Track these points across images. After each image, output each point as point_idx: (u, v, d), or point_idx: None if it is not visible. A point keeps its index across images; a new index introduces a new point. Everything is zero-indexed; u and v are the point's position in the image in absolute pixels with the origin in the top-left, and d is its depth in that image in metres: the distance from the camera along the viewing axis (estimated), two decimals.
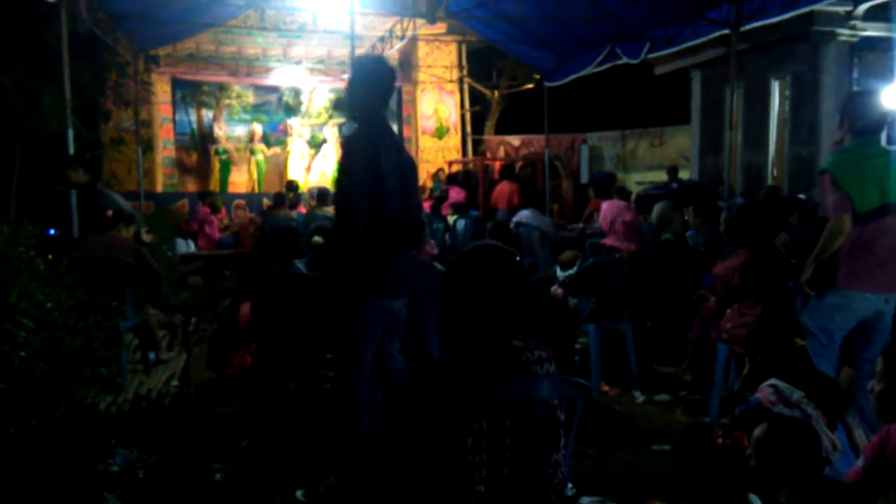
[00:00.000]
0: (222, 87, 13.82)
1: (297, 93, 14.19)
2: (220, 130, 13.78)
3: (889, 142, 9.59)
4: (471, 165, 13.63)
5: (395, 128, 12.41)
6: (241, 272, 6.78)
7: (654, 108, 15.70)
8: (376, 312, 2.94)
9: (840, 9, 8.74)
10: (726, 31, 6.83)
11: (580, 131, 14.79)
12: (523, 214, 7.60)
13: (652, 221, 5.75)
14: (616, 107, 16.65)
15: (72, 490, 2.89)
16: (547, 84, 10.09)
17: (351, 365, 2.93)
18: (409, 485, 1.78)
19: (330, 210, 9.73)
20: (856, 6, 8.76)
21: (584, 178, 13.29)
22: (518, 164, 12.40)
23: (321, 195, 9.53)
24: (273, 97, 14.30)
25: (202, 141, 13.83)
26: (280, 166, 14.03)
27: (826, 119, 9.08)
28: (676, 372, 4.73)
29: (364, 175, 2.82)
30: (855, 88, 8.97)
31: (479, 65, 16.10)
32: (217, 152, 13.65)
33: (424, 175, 13.92)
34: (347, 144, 2.98)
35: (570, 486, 3.02)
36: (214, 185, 13.29)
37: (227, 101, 13.96)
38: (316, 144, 14.25)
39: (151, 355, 4.91)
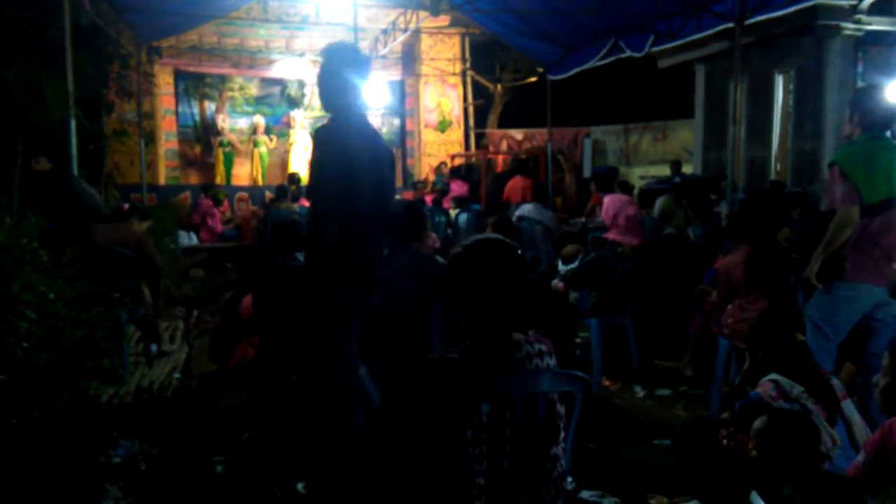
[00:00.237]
0: (225, 79, 13.82)
1: (300, 85, 14.17)
2: (223, 123, 13.77)
3: (891, 136, 9.55)
4: (473, 159, 13.61)
5: (396, 121, 12.41)
6: (243, 265, 6.79)
7: (658, 102, 15.65)
8: (352, 306, 2.88)
9: (845, 3, 8.70)
10: (730, 25, 6.80)
11: (583, 125, 14.75)
12: (526, 208, 7.60)
13: (654, 216, 5.74)
14: (619, 100, 16.60)
15: (74, 482, 2.91)
16: (550, 77, 10.07)
17: (335, 356, 2.88)
18: (409, 477, 1.78)
19: None
20: (860, 0, 8.71)
21: (587, 172, 13.26)
22: (521, 158, 12.39)
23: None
24: (276, 89, 14.30)
25: (205, 133, 13.83)
26: (283, 159, 14.03)
27: (830, 113, 9.05)
28: (677, 367, 4.73)
29: (337, 168, 2.73)
30: (860, 83, 8.94)
31: (483, 58, 16.05)
32: (221, 144, 13.64)
33: (427, 169, 13.91)
34: (319, 136, 2.88)
35: (569, 479, 3.03)
36: (220, 178, 13.31)
37: (229, 94, 13.97)
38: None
39: (154, 347, 4.92)
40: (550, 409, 1.81)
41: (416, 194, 11.31)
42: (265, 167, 13.80)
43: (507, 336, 1.81)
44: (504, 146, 15.24)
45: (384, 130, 14.86)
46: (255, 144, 13.77)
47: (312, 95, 14.39)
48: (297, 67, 13.58)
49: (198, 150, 13.88)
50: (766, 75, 10.24)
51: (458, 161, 13.56)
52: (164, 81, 12.95)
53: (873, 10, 8.90)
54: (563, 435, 1.85)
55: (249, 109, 14.00)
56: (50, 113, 6.06)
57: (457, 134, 14.53)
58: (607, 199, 6.30)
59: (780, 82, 10.19)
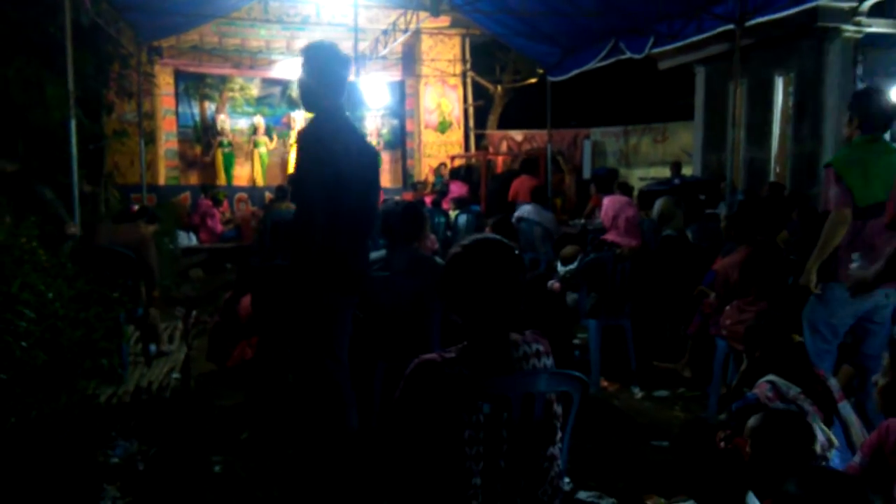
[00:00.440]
0: (225, 80, 13.84)
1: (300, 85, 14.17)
2: (223, 123, 13.79)
3: (891, 139, 9.56)
4: (473, 160, 13.61)
5: (396, 122, 12.39)
6: (242, 265, 6.79)
7: (658, 104, 15.65)
8: (340, 305, 2.88)
9: (845, 5, 8.70)
10: (730, 27, 6.80)
11: (583, 126, 14.76)
12: (525, 210, 7.59)
13: (653, 217, 5.74)
14: (619, 102, 16.60)
15: (72, 481, 2.91)
16: (550, 79, 10.07)
17: (327, 356, 2.87)
18: (406, 476, 1.79)
19: None
20: (861, 2, 8.72)
21: (587, 174, 13.26)
22: (520, 159, 12.38)
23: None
24: (276, 90, 14.31)
25: (205, 133, 13.85)
26: (283, 159, 14.04)
27: (829, 116, 9.05)
28: (676, 368, 4.74)
29: (319, 169, 2.70)
30: (860, 85, 8.94)
31: (483, 59, 16.06)
32: (220, 144, 13.65)
33: (427, 169, 13.92)
34: (301, 138, 2.86)
35: (567, 480, 3.04)
36: (220, 179, 13.32)
37: (230, 94, 13.98)
38: None
39: (153, 347, 4.93)
40: (547, 409, 1.81)
41: (415, 195, 11.31)
42: (265, 168, 13.81)
43: (505, 336, 1.81)
44: (504, 147, 15.25)
45: (384, 131, 14.88)
46: (255, 145, 13.78)
47: None
48: (297, 68, 13.47)
49: (198, 150, 13.89)
50: (766, 77, 10.25)
51: (457, 162, 13.57)
52: (165, 81, 12.96)
53: (873, 13, 8.90)
54: (560, 435, 1.85)
55: (250, 110, 14.02)
56: (50, 113, 6.07)
57: (457, 135, 14.54)
58: (606, 201, 6.30)
59: (779, 84, 10.19)
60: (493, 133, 16.17)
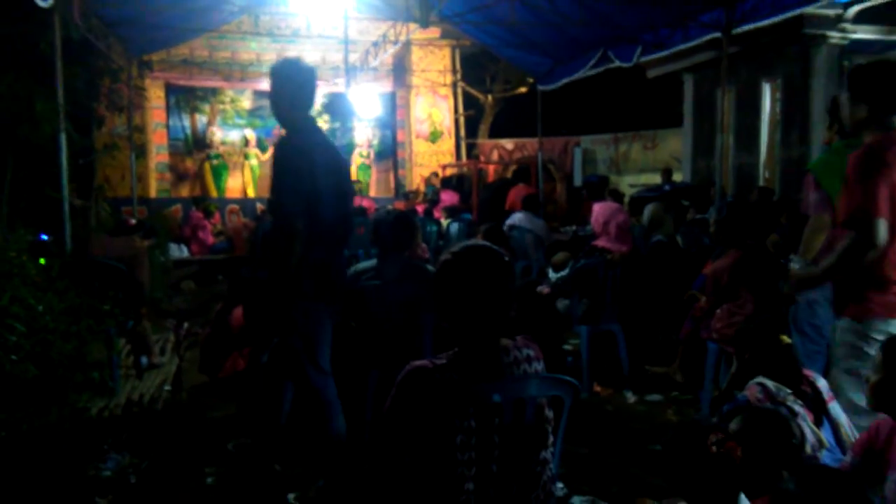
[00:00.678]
0: (216, 92, 13.84)
1: None
2: (213, 136, 13.80)
3: None
4: (465, 169, 13.66)
5: (387, 132, 12.41)
6: (233, 276, 6.78)
7: (647, 111, 15.76)
8: (321, 315, 2.93)
9: (830, 12, 8.80)
10: (717, 35, 6.87)
11: (573, 134, 14.83)
12: (517, 217, 7.62)
13: (643, 223, 5.78)
14: (609, 110, 16.71)
15: (64, 495, 2.89)
16: (540, 88, 10.13)
17: (309, 365, 2.91)
18: (399, 483, 1.79)
19: None
20: (846, 9, 8.82)
21: (578, 181, 13.33)
22: (512, 168, 12.43)
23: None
24: (267, 102, 14.28)
25: (196, 146, 13.85)
26: None
27: (817, 121, 9.14)
28: (668, 372, 4.75)
29: (297, 179, 2.76)
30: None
31: (473, 69, 16.15)
32: (208, 157, 13.68)
33: (418, 179, 13.96)
34: (277, 150, 2.93)
35: (561, 485, 3.05)
36: (210, 191, 13.32)
37: (221, 107, 13.98)
38: None
39: (144, 360, 4.90)
40: (539, 413, 1.82)
41: (407, 204, 11.33)
42: (256, 179, 13.81)
43: (496, 342, 1.82)
44: (495, 156, 15.31)
45: (375, 142, 14.92)
46: (246, 157, 13.80)
47: None
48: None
49: (189, 163, 13.89)
50: (754, 84, 10.34)
51: (449, 171, 13.61)
52: (156, 95, 12.97)
53: (859, 19, 9.01)
54: (552, 439, 1.86)
55: (241, 122, 14.02)
56: (40, 127, 6.06)
57: (448, 144, 14.59)
58: (597, 207, 6.32)
59: (767, 91, 10.29)
60: (483, 142, 16.24)
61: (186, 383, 4.57)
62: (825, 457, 2.31)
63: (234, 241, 10.15)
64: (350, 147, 14.81)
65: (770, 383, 2.39)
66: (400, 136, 14.75)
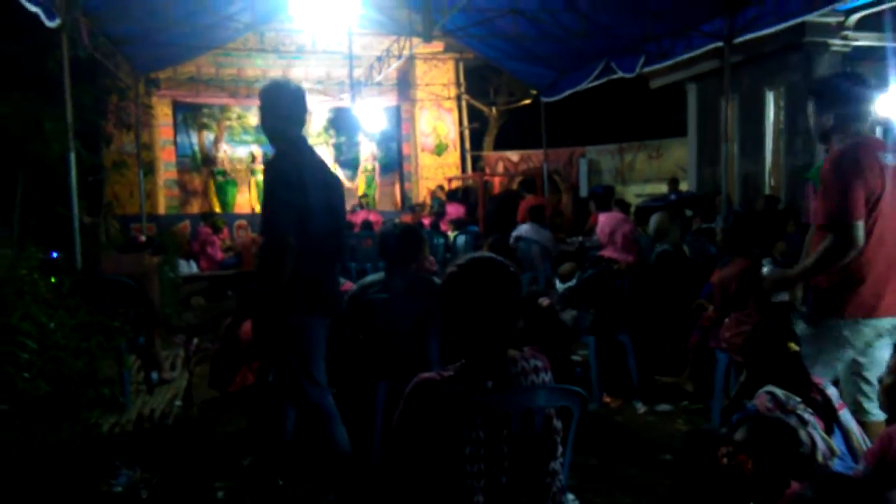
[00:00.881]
0: (223, 109, 13.96)
1: None
2: (219, 152, 13.90)
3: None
4: (470, 181, 13.69)
5: (393, 146, 12.50)
6: (242, 290, 6.81)
7: (651, 121, 15.78)
8: (318, 332, 2.99)
9: (832, 19, 8.83)
10: (720, 44, 6.89)
11: (578, 145, 14.87)
12: (523, 229, 7.63)
13: (649, 233, 5.78)
14: (613, 120, 16.74)
15: None
16: (544, 99, 10.17)
17: (304, 378, 2.96)
18: (409, 494, 1.79)
19: None
20: (847, 17, 8.85)
21: (584, 192, 13.33)
22: (517, 179, 12.43)
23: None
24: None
25: (204, 163, 13.95)
26: None
27: None
28: (677, 382, 4.74)
29: (288, 195, 2.84)
30: None
31: (477, 82, 16.23)
32: (213, 173, 13.77)
33: (424, 192, 14.01)
34: (268, 168, 3.01)
35: (572, 496, 3.03)
36: (214, 206, 13.40)
37: (227, 123, 14.09)
38: None
39: (154, 375, 4.93)
40: (547, 424, 1.82)
41: (413, 217, 11.36)
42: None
43: (503, 353, 1.83)
44: (500, 168, 15.35)
45: (381, 155, 14.99)
46: (252, 173, 13.89)
47: (308, 124, 14.50)
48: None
49: (197, 179, 13.99)
50: (757, 92, 10.36)
51: (455, 184, 13.65)
52: (163, 112, 13.08)
53: (860, 27, 9.03)
54: (560, 450, 1.86)
55: (248, 138, 14.11)
56: (49, 146, 6.12)
57: (453, 157, 14.65)
58: (603, 217, 6.34)
59: (770, 99, 10.30)
60: (489, 154, 16.29)
61: (197, 398, 4.59)
62: (836, 465, 2.30)
63: (242, 257, 10.19)
64: (355, 161, 14.88)
65: (779, 392, 2.38)
66: (405, 150, 14.82)
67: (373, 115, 13.21)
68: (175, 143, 13.51)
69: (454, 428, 1.71)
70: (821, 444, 2.27)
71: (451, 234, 9.32)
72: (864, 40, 9.10)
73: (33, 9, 4.87)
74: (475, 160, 15.78)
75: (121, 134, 11.07)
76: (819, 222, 2.72)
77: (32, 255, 3.69)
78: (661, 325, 4.99)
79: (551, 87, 9.79)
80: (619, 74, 8.23)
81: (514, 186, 12.24)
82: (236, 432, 4.02)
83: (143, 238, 4.93)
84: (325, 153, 14.55)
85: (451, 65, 14.35)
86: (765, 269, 2.97)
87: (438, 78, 14.25)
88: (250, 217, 12.51)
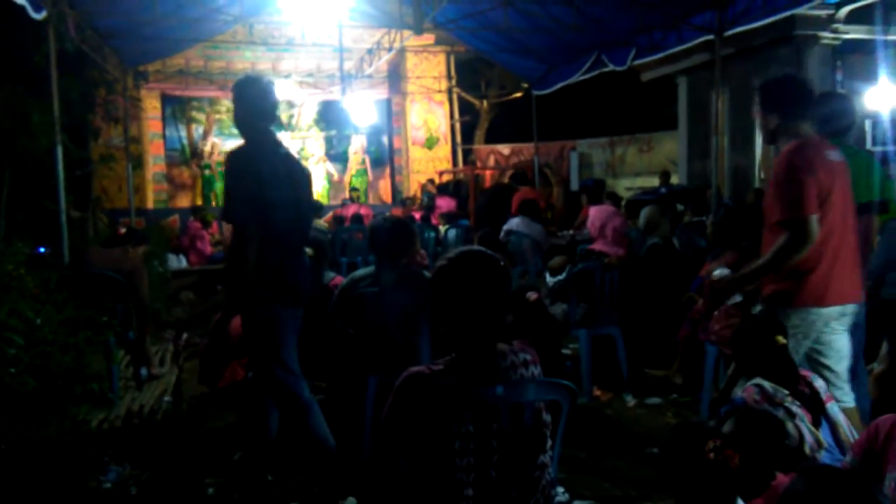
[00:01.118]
0: (212, 102, 13.88)
1: (287, 106, 14.25)
2: (207, 145, 13.82)
3: (873, 142, 9.70)
4: (461, 175, 13.69)
5: (384, 139, 12.46)
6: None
7: (642, 114, 15.81)
8: (285, 321, 3.03)
9: (822, 12, 8.86)
10: (710, 37, 6.90)
11: (569, 138, 14.88)
12: (514, 222, 7.64)
13: (640, 226, 5.80)
14: (604, 113, 16.76)
15: None
16: (535, 93, 10.17)
17: (277, 366, 3.00)
18: (398, 489, 1.79)
19: (322, 222, 9.75)
20: (837, 9, 8.88)
21: (575, 185, 13.35)
22: (508, 173, 12.44)
23: (314, 208, 9.52)
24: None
25: (192, 156, 13.87)
26: None
27: None
28: (667, 375, 4.76)
29: (246, 186, 2.91)
30: (840, 91, 9.08)
31: (468, 75, 16.20)
32: (200, 167, 13.70)
33: (415, 185, 13.99)
34: (229, 159, 3.08)
35: (561, 489, 3.05)
36: (202, 200, 13.34)
37: (216, 116, 14.02)
38: (304, 158, 14.30)
39: (143, 371, 4.90)
40: (537, 418, 1.82)
41: (404, 211, 11.35)
42: None
43: (492, 346, 1.83)
44: (491, 161, 15.35)
45: (372, 148, 14.96)
46: None
47: (299, 117, 14.46)
48: (283, 89, 13.64)
49: (186, 173, 13.91)
50: (747, 85, 10.36)
51: (446, 177, 13.64)
52: (151, 106, 12.99)
53: (850, 19, 9.07)
54: (550, 443, 1.86)
55: (237, 132, 14.06)
56: (36, 140, 6.07)
57: (444, 150, 14.63)
58: (593, 211, 6.35)
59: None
60: (480, 148, 16.28)
61: (186, 394, 4.57)
62: (824, 457, 2.32)
63: None
64: (346, 155, 14.84)
65: (767, 385, 2.40)
66: (396, 143, 14.79)
67: (363, 109, 13.17)
68: (164, 136, 13.42)
69: (444, 422, 1.71)
70: (808, 437, 2.29)
71: (441, 228, 9.31)
72: (855, 33, 9.14)
73: (20, 1, 4.81)
74: (466, 153, 15.77)
75: (109, 127, 10.98)
76: (773, 219, 2.80)
77: (19, 250, 3.66)
78: (650, 319, 5.00)
79: (542, 80, 9.79)
80: (611, 67, 8.24)
81: (506, 180, 12.26)
82: (226, 428, 4.01)
83: (122, 231, 4.89)
84: (316, 146, 14.49)
85: (442, 58, 14.31)
86: (716, 273, 3.01)
87: (429, 71, 14.21)
88: None
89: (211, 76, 13.06)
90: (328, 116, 14.39)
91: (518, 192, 10.24)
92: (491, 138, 16.96)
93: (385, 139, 14.92)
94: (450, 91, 14.74)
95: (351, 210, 10.75)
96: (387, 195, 14.91)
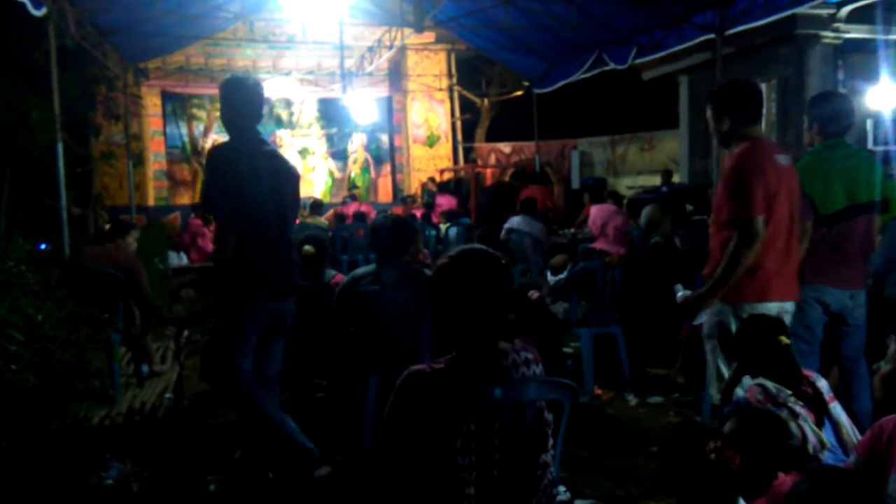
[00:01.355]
0: (213, 99, 13.86)
1: (287, 104, 14.24)
2: (208, 142, 13.81)
3: (875, 142, 9.68)
4: (462, 173, 13.68)
5: (385, 137, 12.48)
6: None
7: (643, 113, 15.80)
8: (252, 315, 3.05)
9: (823, 11, 8.85)
10: (711, 36, 6.90)
11: (570, 137, 14.87)
12: (515, 221, 7.63)
13: (641, 225, 5.79)
14: (605, 112, 16.75)
15: None
16: (536, 91, 10.16)
17: (229, 365, 3.03)
18: (400, 488, 1.79)
19: (323, 220, 9.75)
20: (839, 8, 8.87)
21: (575, 184, 13.35)
22: (509, 171, 12.43)
23: (314, 206, 9.55)
24: (265, 109, 14.32)
25: (193, 153, 13.86)
26: None
27: None
28: (669, 374, 4.76)
29: (226, 184, 2.97)
30: (841, 90, 9.07)
31: (469, 73, 16.19)
32: (201, 164, 13.69)
33: (416, 183, 13.98)
34: (210, 154, 3.13)
35: (563, 488, 3.05)
36: (199, 197, 13.33)
37: (217, 113, 13.97)
38: (306, 155, 14.30)
39: (145, 368, 4.90)
40: (538, 416, 1.82)
41: (405, 209, 11.35)
42: None
43: (494, 345, 1.82)
44: (492, 159, 15.34)
45: (373, 146, 14.94)
46: None
47: (300, 114, 14.44)
48: (284, 87, 13.64)
49: (186, 170, 13.91)
50: None
51: (447, 175, 13.63)
52: (152, 103, 12.99)
53: (851, 19, 9.05)
54: (551, 442, 1.86)
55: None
56: (37, 136, 6.06)
57: (445, 148, 14.62)
58: (594, 209, 6.35)
59: (762, 91, 10.32)
60: (481, 146, 16.27)
61: (187, 391, 4.57)
62: (827, 458, 2.31)
63: None
64: (346, 153, 14.83)
65: (770, 384, 2.39)
66: (397, 141, 14.78)
67: (364, 106, 13.16)
68: (164, 133, 13.41)
69: (445, 421, 1.70)
70: (811, 437, 2.28)
71: (442, 226, 9.31)
72: (856, 32, 9.13)
73: None
74: (467, 152, 15.76)
75: (109, 124, 10.97)
76: (722, 219, 2.88)
77: (20, 247, 3.65)
78: (652, 318, 5.00)
79: (543, 79, 9.78)
80: (612, 66, 8.23)
81: (507, 178, 12.25)
82: (227, 425, 4.00)
83: (107, 227, 4.85)
84: (318, 144, 14.48)
85: (442, 55, 14.30)
86: (678, 294, 3.05)
87: (430, 69, 14.20)
88: None
89: (212, 73, 13.05)
90: (329, 114, 14.38)
91: (525, 190, 10.23)
92: (492, 136, 16.95)
93: (386, 137, 14.91)
94: (451, 89, 14.73)
95: (352, 208, 10.75)
96: (387, 193, 14.90)
